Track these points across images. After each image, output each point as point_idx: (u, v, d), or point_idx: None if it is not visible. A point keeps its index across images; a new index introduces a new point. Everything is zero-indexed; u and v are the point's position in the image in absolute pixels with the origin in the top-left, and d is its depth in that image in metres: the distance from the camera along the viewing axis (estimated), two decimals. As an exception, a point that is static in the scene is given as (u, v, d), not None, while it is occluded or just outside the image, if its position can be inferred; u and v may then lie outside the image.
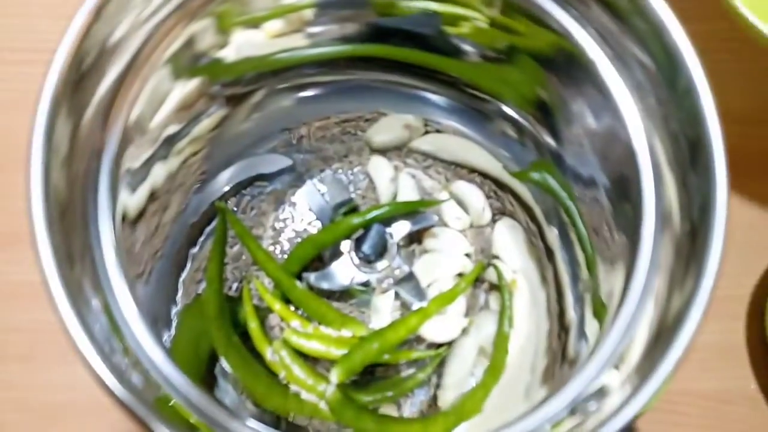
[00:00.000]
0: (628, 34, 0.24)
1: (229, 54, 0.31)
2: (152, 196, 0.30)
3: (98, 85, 0.24)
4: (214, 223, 0.37)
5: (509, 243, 0.39)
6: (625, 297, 0.24)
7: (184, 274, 0.34)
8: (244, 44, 0.31)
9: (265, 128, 0.38)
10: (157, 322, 0.27)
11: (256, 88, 0.35)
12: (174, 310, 0.32)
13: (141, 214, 0.28)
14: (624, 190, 0.26)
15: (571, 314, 0.30)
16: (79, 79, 0.23)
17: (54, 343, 0.39)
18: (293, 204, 0.41)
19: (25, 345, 0.39)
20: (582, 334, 0.28)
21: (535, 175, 0.35)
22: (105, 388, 0.20)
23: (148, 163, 0.29)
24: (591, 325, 0.27)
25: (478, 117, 0.37)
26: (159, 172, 0.30)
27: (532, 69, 0.29)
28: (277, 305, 0.37)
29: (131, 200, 0.27)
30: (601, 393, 0.23)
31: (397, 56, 0.34)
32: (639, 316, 0.24)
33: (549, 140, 0.32)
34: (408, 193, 0.41)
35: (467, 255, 0.40)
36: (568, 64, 0.27)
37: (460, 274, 0.39)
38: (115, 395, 0.20)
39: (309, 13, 0.31)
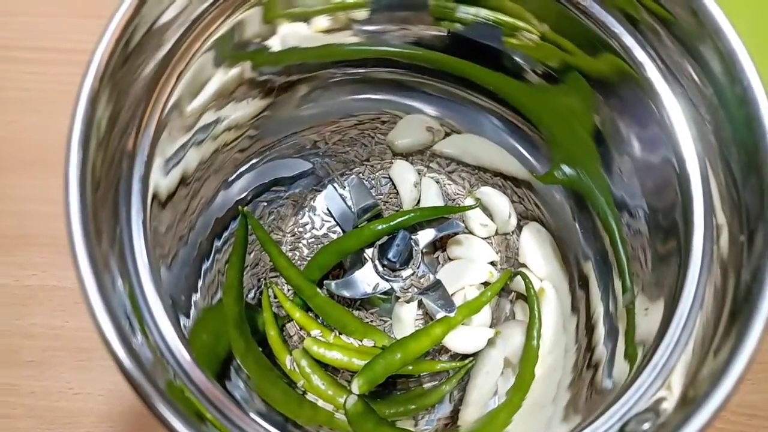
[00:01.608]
0: (682, 48, 0.23)
1: (274, 44, 0.30)
2: (183, 181, 0.29)
3: (143, 67, 0.24)
4: (235, 221, 0.36)
5: (536, 249, 0.38)
6: (662, 338, 0.23)
7: (206, 264, 0.33)
8: (290, 36, 0.30)
9: (303, 123, 0.37)
10: (175, 307, 0.26)
11: (299, 80, 0.34)
12: (194, 298, 0.31)
13: (170, 197, 0.28)
14: (670, 223, 0.25)
15: (601, 349, 0.29)
16: (124, 59, 0.22)
17: (67, 349, 0.39)
18: (313, 209, 0.40)
19: (38, 351, 0.39)
20: (611, 373, 0.27)
21: (559, 174, 0.35)
22: (118, 364, 0.19)
23: (184, 147, 0.28)
24: (621, 367, 0.26)
25: (525, 136, 0.36)
26: (192, 157, 0.30)
27: (585, 91, 0.28)
28: (297, 313, 0.36)
29: (163, 181, 0.27)
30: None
31: (459, 71, 0.34)
32: (675, 359, 0.22)
33: (599, 168, 0.31)
34: (431, 198, 0.40)
35: (493, 263, 0.39)
36: (621, 84, 0.26)
37: (485, 283, 0.38)
38: (128, 375, 0.19)
39: (363, 13, 0.30)
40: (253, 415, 0.24)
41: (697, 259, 0.23)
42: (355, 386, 0.33)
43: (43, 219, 0.41)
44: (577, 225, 0.34)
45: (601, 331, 0.30)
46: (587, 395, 0.27)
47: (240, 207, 0.36)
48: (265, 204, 0.39)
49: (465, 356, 0.36)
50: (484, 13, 0.29)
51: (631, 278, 0.28)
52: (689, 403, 0.19)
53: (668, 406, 0.21)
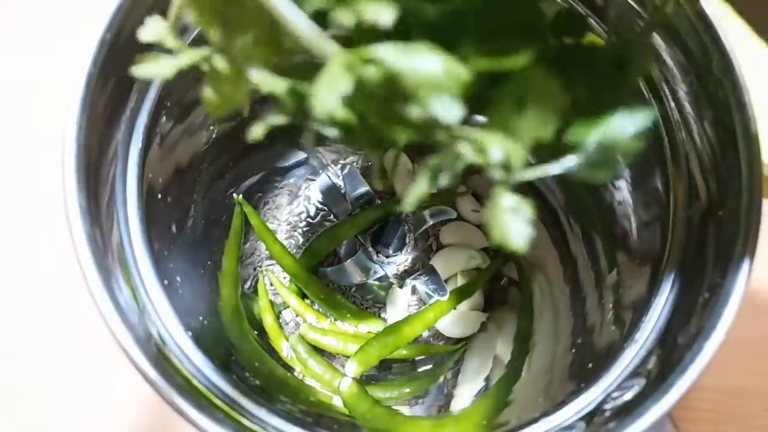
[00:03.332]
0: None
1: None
2: (178, 168, 0.29)
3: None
4: (231, 210, 0.37)
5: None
6: (647, 310, 0.24)
7: (203, 251, 0.33)
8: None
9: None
10: (173, 292, 0.26)
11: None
12: (192, 285, 0.31)
13: (167, 184, 0.28)
14: (652, 194, 0.26)
15: (591, 321, 0.30)
16: (119, 51, 0.22)
17: (71, 342, 0.39)
18: (308, 198, 0.41)
19: (42, 343, 0.39)
20: (601, 342, 0.27)
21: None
22: (125, 351, 0.19)
23: (178, 135, 0.28)
24: (610, 336, 0.27)
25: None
26: (187, 146, 0.30)
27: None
28: (293, 300, 0.37)
29: (159, 168, 0.27)
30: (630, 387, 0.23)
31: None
32: (658, 332, 0.23)
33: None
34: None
35: (485, 249, 0.39)
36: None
37: (477, 269, 0.39)
38: (135, 362, 0.19)
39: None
40: (259, 399, 0.24)
41: (679, 230, 0.24)
42: (349, 369, 0.33)
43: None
44: (566, 206, 0.35)
45: (591, 304, 0.31)
46: (581, 363, 0.28)
47: (235, 196, 0.36)
48: (261, 194, 0.40)
49: (458, 340, 0.37)
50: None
51: (616, 254, 0.29)
52: (668, 372, 0.20)
53: (650, 375, 0.22)
